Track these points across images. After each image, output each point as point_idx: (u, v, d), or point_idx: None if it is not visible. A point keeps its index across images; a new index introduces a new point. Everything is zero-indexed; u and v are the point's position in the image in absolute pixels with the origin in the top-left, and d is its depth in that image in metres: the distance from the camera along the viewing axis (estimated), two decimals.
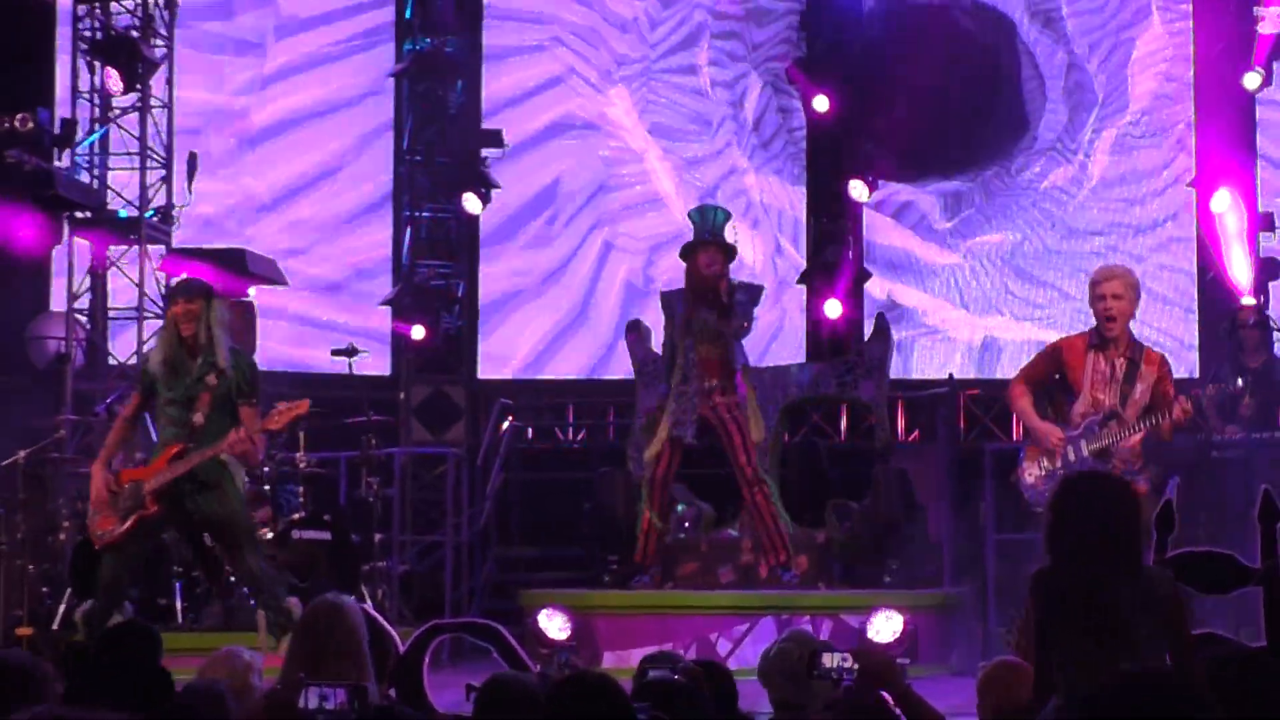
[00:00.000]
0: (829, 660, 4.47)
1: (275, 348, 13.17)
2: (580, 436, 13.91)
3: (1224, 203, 12.31)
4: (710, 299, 9.63)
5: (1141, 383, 7.76)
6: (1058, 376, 7.91)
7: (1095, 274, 8.03)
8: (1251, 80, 12.48)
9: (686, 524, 10.44)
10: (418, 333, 12.71)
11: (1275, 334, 10.29)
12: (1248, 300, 11.72)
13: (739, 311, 9.66)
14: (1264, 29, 12.58)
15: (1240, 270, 12.13)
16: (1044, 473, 7.88)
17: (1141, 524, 4.54)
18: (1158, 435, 7.84)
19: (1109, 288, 7.84)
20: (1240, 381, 9.68)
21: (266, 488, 10.17)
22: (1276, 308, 12.09)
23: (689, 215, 10.18)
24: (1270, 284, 12.32)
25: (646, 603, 9.82)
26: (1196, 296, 13.28)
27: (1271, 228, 12.62)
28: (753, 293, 9.97)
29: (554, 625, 9.44)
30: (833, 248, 13.23)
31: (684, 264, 9.84)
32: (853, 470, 11.87)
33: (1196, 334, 13.28)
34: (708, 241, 9.75)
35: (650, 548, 9.85)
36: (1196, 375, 12.86)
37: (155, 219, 11.99)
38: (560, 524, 12.36)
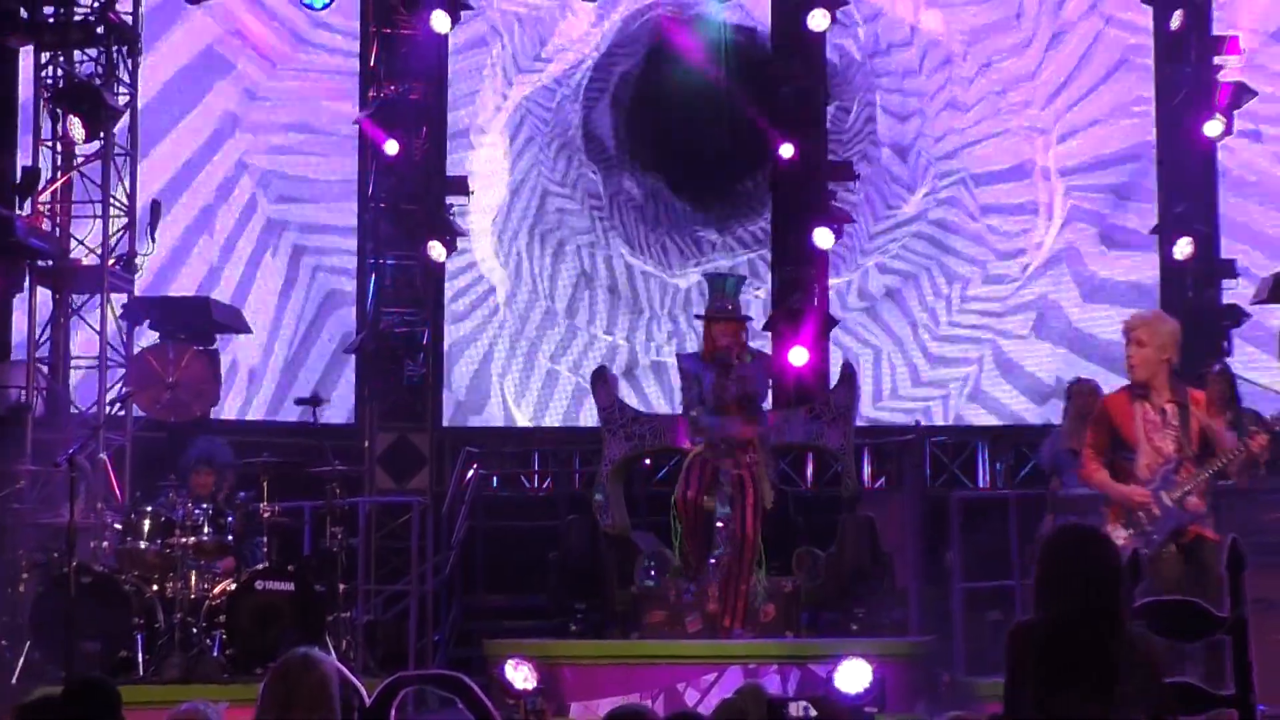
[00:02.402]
0: (795, 710, 4.46)
1: (239, 396, 13.14)
2: (546, 485, 13.88)
3: (1186, 250, 12.40)
4: (725, 371, 9.89)
5: (1195, 423, 7.65)
6: (1112, 438, 7.74)
7: (1125, 321, 7.97)
8: (1212, 128, 12.58)
9: (653, 572, 10.41)
10: (382, 380, 12.66)
11: (1237, 389, 10.32)
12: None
13: (754, 391, 9.95)
14: (1224, 77, 12.71)
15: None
16: (1131, 533, 7.70)
17: (1122, 581, 4.52)
18: (1224, 475, 7.72)
19: (1132, 335, 7.78)
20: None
21: (230, 538, 10.11)
22: (1241, 355, 12.16)
23: (705, 278, 10.42)
24: (1233, 332, 12.40)
25: (613, 653, 9.78)
26: None
27: (1234, 275, 12.71)
28: (764, 368, 10.28)
29: (520, 675, 9.39)
30: (797, 295, 13.28)
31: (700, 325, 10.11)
32: (820, 518, 11.85)
33: None
34: (725, 315, 9.99)
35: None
36: None
37: (118, 267, 11.95)
38: (526, 572, 12.31)
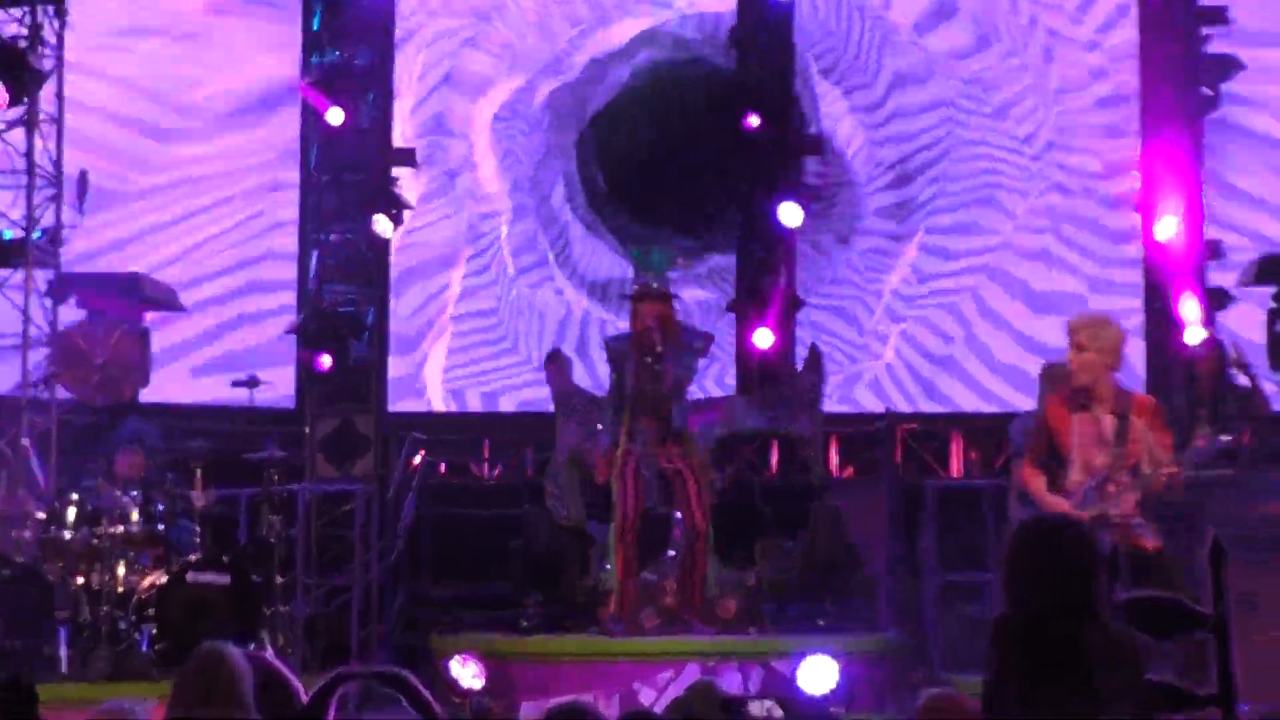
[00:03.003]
0: (756, 709, 4.44)
1: (171, 378, 13.05)
2: (496, 472, 13.84)
3: (1170, 230, 12.42)
4: (649, 354, 9.76)
5: (1134, 438, 7.60)
6: (1050, 446, 7.73)
7: (1068, 322, 7.92)
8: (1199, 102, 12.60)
9: (608, 565, 10.40)
10: (324, 362, 12.61)
11: (1230, 369, 10.34)
12: (1195, 333, 11.80)
13: (676, 370, 9.81)
14: (1212, 48, 12.73)
15: (1187, 305, 12.23)
16: None
17: (1099, 572, 4.51)
18: (1148, 489, 7.63)
19: (1074, 338, 7.71)
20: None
21: (160, 527, 10.04)
22: (1225, 340, 12.19)
23: (631, 254, 10.26)
24: (1217, 316, 12.43)
25: (566, 650, 9.77)
26: (1144, 327, 13.36)
27: (1219, 256, 12.74)
28: (698, 346, 10.12)
29: (467, 673, 9.35)
30: (763, 275, 13.26)
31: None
32: (786, 508, 11.87)
33: (1144, 369, 13.35)
34: (650, 294, 9.85)
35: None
36: None
37: (43, 241, 11.83)
38: (477, 563, 12.29)
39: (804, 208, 13.08)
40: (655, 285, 9.96)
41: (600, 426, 10.15)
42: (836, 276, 14.04)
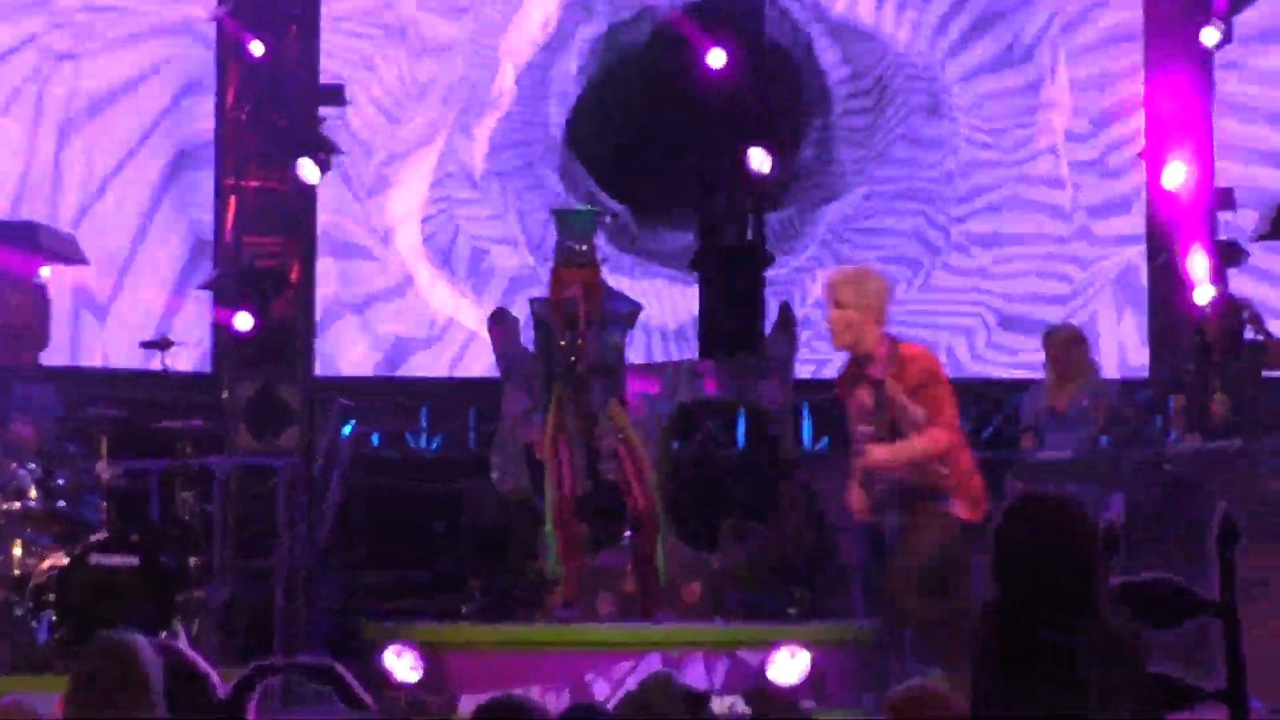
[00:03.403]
0: (718, 705, 4.45)
1: (73, 338, 13.00)
2: (435, 443, 13.83)
3: (1178, 177, 12.47)
4: (570, 326, 9.72)
5: (894, 407, 7.60)
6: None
7: (825, 277, 7.92)
8: (1209, 36, 12.61)
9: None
10: (243, 322, 12.56)
11: (1243, 325, 10.40)
12: (1204, 292, 11.86)
13: (600, 346, 9.80)
14: None
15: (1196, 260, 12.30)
16: None
17: (1098, 559, 4.54)
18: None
19: (834, 295, 7.70)
20: None
21: (61, 503, 10.01)
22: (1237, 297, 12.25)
23: (552, 214, 10.23)
24: (1229, 271, 12.50)
25: (512, 638, 9.78)
26: (1146, 285, 13.42)
27: (1231, 206, 12.79)
28: (625, 320, 10.07)
29: (403, 665, 9.37)
30: (729, 227, 13.26)
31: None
32: (752, 485, 11.90)
33: (1145, 328, 13.42)
34: (574, 259, 9.80)
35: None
36: (1148, 376, 13.01)
37: None
38: (413, 544, 12.30)
39: (770, 153, 13.05)
40: (580, 249, 9.90)
41: None
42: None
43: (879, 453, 7.76)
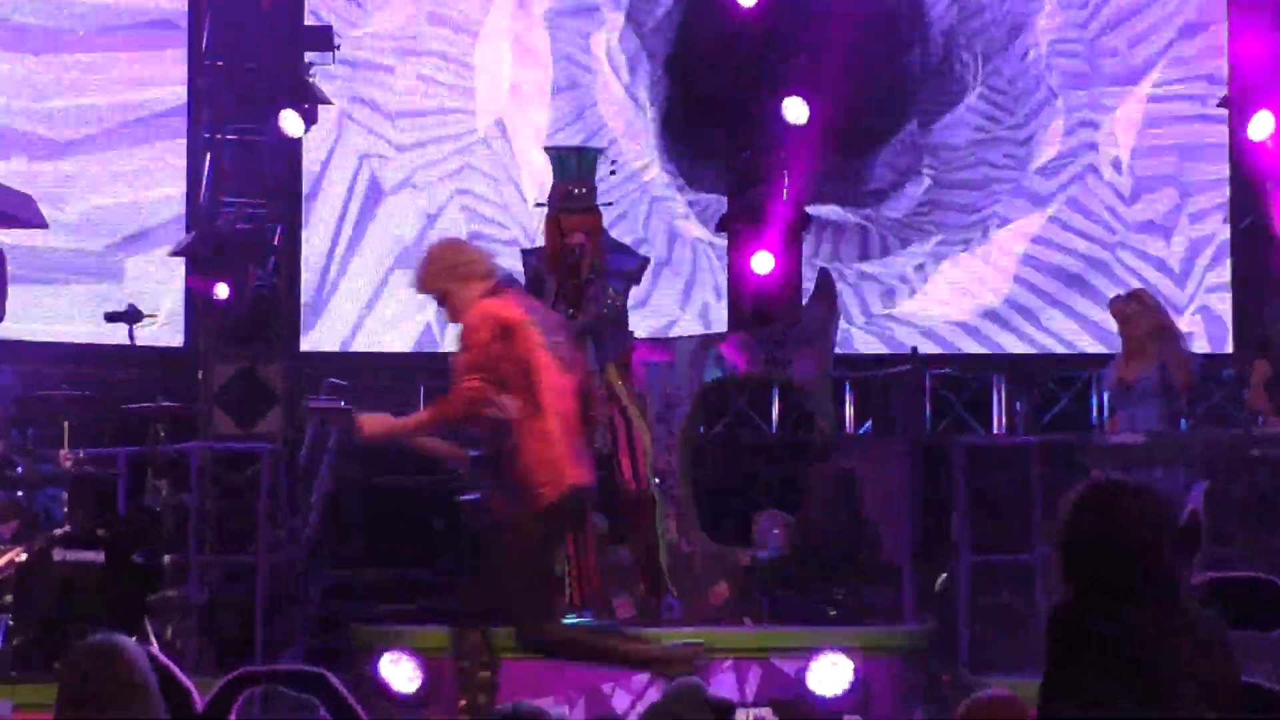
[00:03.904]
0: (743, 718, 4.46)
1: (31, 309, 13.00)
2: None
3: (1266, 128, 12.42)
4: (572, 277, 9.67)
5: None
6: None
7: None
8: None
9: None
10: (221, 292, 12.56)
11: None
12: None
13: (600, 303, 9.73)
14: None
15: None
16: None
17: (1175, 547, 4.52)
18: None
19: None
20: None
21: (19, 494, 10.01)
22: None
23: (547, 153, 10.13)
24: None
25: None
26: (1230, 246, 13.36)
27: None
28: (630, 275, 10.00)
29: (400, 673, 9.37)
30: (761, 185, 13.23)
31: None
32: (787, 472, 11.90)
33: (1230, 299, 13.36)
34: (576, 202, 9.73)
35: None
36: (1230, 350, 12.96)
37: None
38: (411, 540, 12.30)
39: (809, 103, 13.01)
40: (579, 191, 9.83)
41: None
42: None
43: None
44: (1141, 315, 10.51)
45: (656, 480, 9.99)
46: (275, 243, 13.17)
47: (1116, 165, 13.77)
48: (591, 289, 9.73)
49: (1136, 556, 4.43)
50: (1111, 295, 11.41)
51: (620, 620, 10.09)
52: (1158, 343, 10.41)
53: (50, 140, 13.54)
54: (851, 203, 13.87)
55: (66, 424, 10.22)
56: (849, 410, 13.35)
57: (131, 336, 11.17)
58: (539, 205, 10.08)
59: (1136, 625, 4.38)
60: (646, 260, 10.44)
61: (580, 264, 9.65)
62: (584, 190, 9.84)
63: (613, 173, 11.11)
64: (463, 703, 7.84)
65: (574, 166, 9.90)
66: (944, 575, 10.84)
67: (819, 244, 13.74)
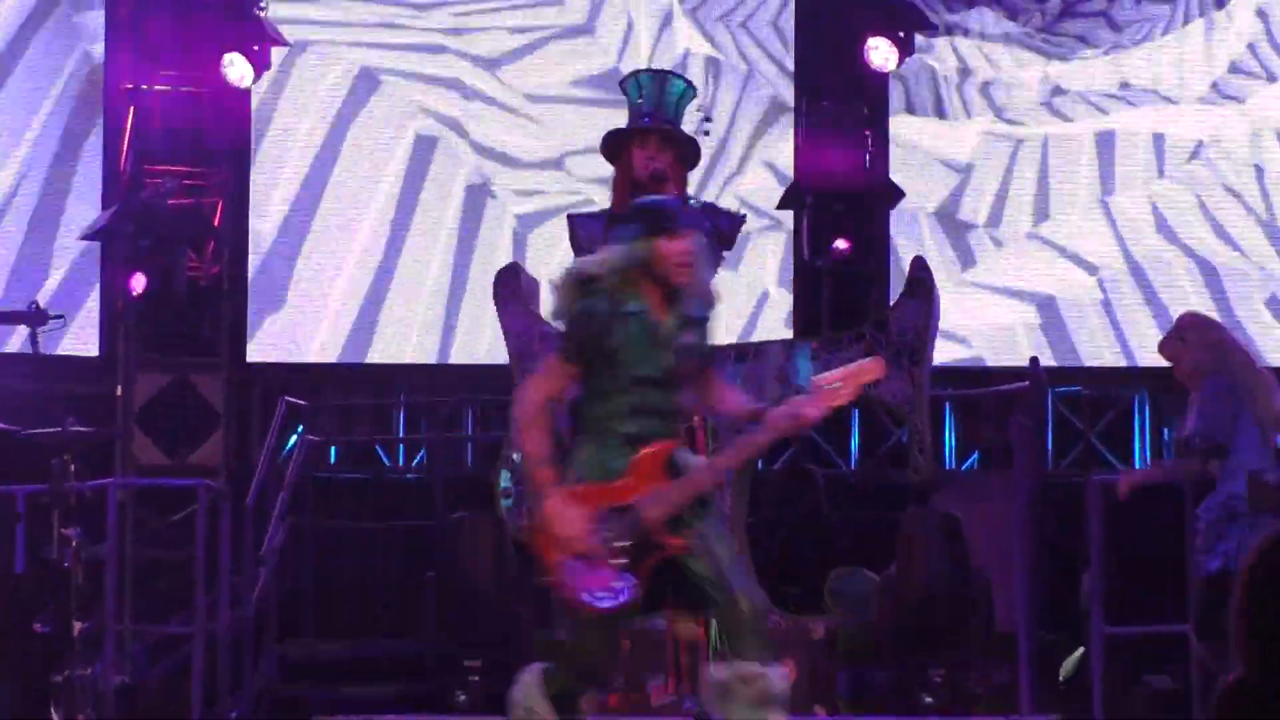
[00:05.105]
0: None
1: None
2: (417, 458, 13.88)
3: None
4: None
5: None
6: None
7: None
8: None
9: None
10: (138, 284, 12.60)
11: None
12: None
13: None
14: None
15: None
16: None
17: None
18: None
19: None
20: None
21: None
22: None
23: (622, 86, 10.06)
24: None
25: None
26: None
27: None
28: (724, 239, 9.91)
29: None
30: (837, 148, 13.29)
31: (611, 167, 9.74)
32: (872, 517, 11.90)
33: None
34: (648, 129, 9.63)
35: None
36: None
37: None
38: (383, 606, 12.34)
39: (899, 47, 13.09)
40: (652, 122, 9.69)
41: None
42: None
43: None
44: (1208, 348, 10.39)
45: None
46: (216, 222, 13.20)
47: None
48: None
49: None
50: None
51: (652, 707, 10.13)
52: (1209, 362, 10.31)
53: None
54: None
55: None
56: (950, 439, 13.39)
57: (34, 343, 11.22)
58: (605, 154, 9.83)
59: None
60: (742, 217, 10.30)
61: (665, 178, 9.48)
62: (664, 116, 9.72)
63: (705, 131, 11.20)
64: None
65: (658, 97, 9.77)
66: (1078, 652, 10.85)
67: None
